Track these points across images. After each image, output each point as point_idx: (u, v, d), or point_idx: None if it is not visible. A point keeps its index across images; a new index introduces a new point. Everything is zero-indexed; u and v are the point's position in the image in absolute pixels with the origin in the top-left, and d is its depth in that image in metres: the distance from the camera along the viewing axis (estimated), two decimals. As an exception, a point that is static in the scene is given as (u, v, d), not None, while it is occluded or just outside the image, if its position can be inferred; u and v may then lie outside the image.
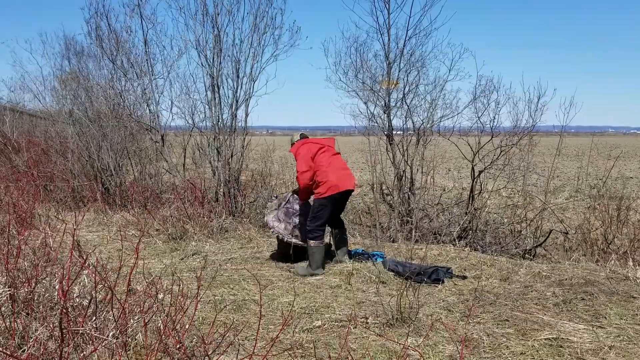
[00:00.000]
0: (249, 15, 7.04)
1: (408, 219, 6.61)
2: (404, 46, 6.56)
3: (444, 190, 8.24)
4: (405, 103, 6.70)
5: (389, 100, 6.74)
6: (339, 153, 5.23)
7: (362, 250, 5.52)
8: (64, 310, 2.14)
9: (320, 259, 4.83)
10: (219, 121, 7.25)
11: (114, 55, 8.01)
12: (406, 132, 6.80)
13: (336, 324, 3.54)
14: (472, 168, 6.50)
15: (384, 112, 6.78)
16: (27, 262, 3.44)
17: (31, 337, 2.49)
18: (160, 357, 2.56)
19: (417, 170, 6.86)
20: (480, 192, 6.54)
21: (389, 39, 6.63)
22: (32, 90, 11.13)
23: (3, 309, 2.73)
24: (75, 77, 9.02)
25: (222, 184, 7.22)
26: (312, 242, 4.83)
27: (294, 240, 5.15)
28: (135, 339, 2.72)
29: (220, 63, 7.10)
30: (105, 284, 2.88)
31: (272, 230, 5.29)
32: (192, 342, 2.90)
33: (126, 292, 2.75)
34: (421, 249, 5.58)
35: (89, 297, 2.86)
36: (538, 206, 6.69)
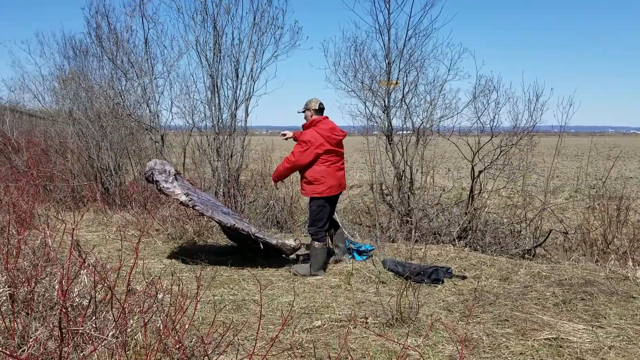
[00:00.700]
0: (249, 15, 7.05)
1: (408, 219, 6.61)
2: (403, 46, 6.56)
3: (444, 190, 8.24)
4: (405, 103, 6.69)
5: (388, 100, 6.73)
6: (343, 154, 5.04)
7: (356, 244, 5.51)
8: (64, 310, 2.14)
9: (322, 260, 4.82)
10: (218, 121, 7.25)
11: (114, 55, 8.02)
12: (406, 132, 6.79)
13: (336, 324, 3.54)
14: (472, 168, 6.50)
15: (384, 112, 6.77)
16: (26, 262, 3.44)
17: (31, 337, 2.49)
18: (159, 357, 2.56)
19: (417, 170, 6.85)
20: (480, 192, 6.53)
21: (389, 39, 6.63)
22: (32, 91, 11.14)
23: (3, 308, 2.72)
24: (75, 77, 9.02)
25: (221, 184, 7.22)
26: (316, 244, 4.81)
27: (261, 237, 4.90)
28: (135, 339, 2.72)
29: (220, 63, 7.10)
30: (105, 284, 2.88)
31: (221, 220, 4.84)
32: (191, 342, 2.90)
33: (126, 292, 2.76)
34: (421, 249, 5.58)
35: (89, 297, 2.86)
36: (538, 206, 6.69)
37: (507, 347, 3.14)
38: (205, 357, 2.56)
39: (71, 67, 9.35)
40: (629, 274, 4.56)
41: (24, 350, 2.43)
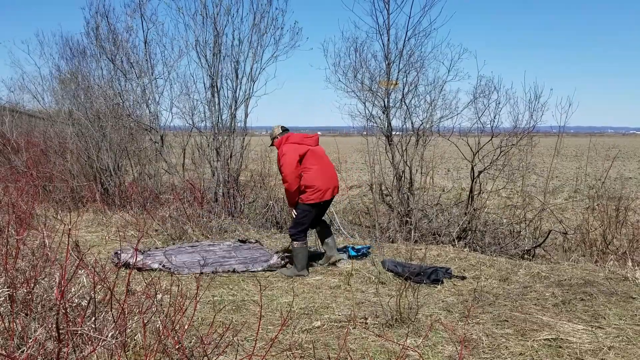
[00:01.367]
0: (249, 15, 7.05)
1: (407, 219, 6.61)
2: (403, 46, 6.57)
3: (443, 190, 8.24)
4: (405, 103, 6.70)
5: (388, 101, 6.74)
6: (325, 156, 5.03)
7: (351, 247, 5.51)
8: (63, 311, 2.14)
9: (304, 259, 4.82)
10: (218, 121, 7.25)
11: (113, 55, 8.01)
12: (405, 133, 6.80)
13: (335, 324, 3.53)
14: (472, 168, 6.51)
15: (383, 113, 6.78)
16: (25, 263, 3.43)
17: (30, 338, 2.49)
18: (159, 358, 2.55)
19: (417, 170, 6.86)
20: (479, 192, 6.54)
21: (388, 40, 6.64)
22: (31, 91, 11.13)
23: (2, 309, 2.72)
24: (74, 77, 9.02)
25: (221, 185, 7.22)
26: (295, 244, 4.83)
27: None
28: (134, 340, 2.72)
29: (219, 63, 7.11)
30: (104, 285, 2.88)
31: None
32: (191, 342, 2.90)
33: (125, 292, 2.75)
34: (420, 249, 5.58)
35: (88, 298, 2.85)
36: (537, 206, 6.69)
37: (506, 347, 3.14)
38: (205, 357, 2.56)
39: (70, 68, 9.35)
40: (629, 275, 4.56)
41: (23, 351, 2.42)
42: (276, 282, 4.61)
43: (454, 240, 6.20)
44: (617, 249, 5.56)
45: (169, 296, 3.22)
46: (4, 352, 2.06)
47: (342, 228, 6.95)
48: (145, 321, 2.62)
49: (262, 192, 7.94)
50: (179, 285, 3.50)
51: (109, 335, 2.48)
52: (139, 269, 4.70)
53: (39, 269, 3.19)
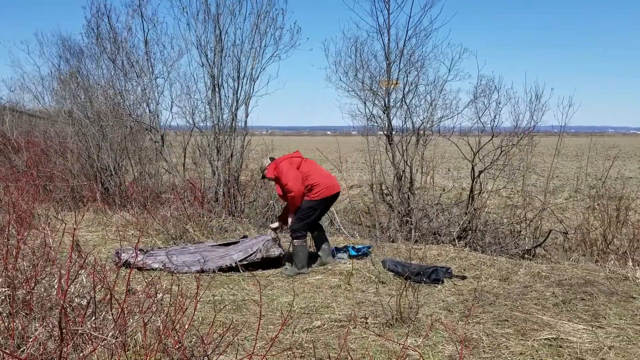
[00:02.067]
0: (251, 16, 7.05)
1: (407, 219, 6.61)
2: (404, 46, 6.56)
3: (444, 190, 8.24)
4: (405, 103, 6.70)
5: (388, 100, 6.74)
6: (316, 163, 5.16)
7: (351, 246, 5.51)
8: (63, 310, 2.14)
9: (304, 258, 4.85)
10: (219, 121, 7.25)
11: (114, 55, 8.01)
12: (406, 132, 6.80)
13: (336, 324, 3.53)
14: (472, 168, 6.50)
15: (384, 112, 6.78)
16: (26, 262, 3.43)
17: (30, 337, 2.49)
18: (159, 357, 2.55)
19: (417, 170, 6.86)
20: (480, 192, 6.53)
21: (389, 39, 6.64)
22: (32, 91, 11.13)
23: (2, 309, 2.72)
24: (74, 76, 9.02)
25: (221, 184, 7.22)
26: (296, 242, 4.87)
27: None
28: (135, 339, 2.72)
29: (221, 63, 7.11)
30: (105, 284, 2.88)
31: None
32: (191, 342, 2.90)
33: (125, 292, 2.75)
34: (421, 249, 5.58)
35: (88, 297, 2.86)
36: (537, 206, 6.69)
37: (506, 347, 3.14)
38: (205, 357, 2.56)
39: (70, 67, 9.36)
40: (629, 274, 4.56)
41: (24, 350, 2.43)
42: (276, 281, 4.61)
43: (454, 239, 6.20)
44: (617, 248, 5.56)
45: (169, 296, 3.22)
46: (6, 351, 2.06)
47: (342, 227, 6.94)
48: (146, 321, 2.62)
49: (262, 192, 7.94)
50: (179, 285, 3.49)
51: (109, 335, 2.48)
52: (139, 269, 4.70)
53: (40, 269, 3.19)
